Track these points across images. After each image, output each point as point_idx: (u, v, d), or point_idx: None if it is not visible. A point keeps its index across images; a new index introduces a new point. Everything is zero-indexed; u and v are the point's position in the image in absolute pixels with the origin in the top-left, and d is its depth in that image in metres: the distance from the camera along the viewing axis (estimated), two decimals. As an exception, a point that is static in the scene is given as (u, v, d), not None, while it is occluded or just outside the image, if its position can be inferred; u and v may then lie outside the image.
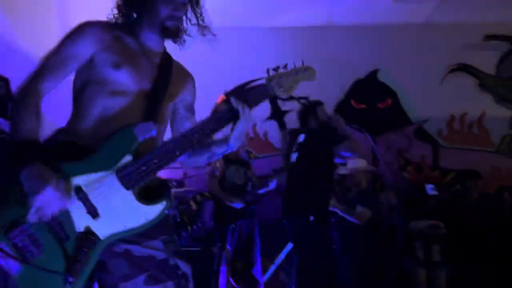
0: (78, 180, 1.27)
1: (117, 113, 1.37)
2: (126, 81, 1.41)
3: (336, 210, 3.96)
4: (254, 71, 6.10)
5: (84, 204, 1.27)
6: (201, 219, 4.48)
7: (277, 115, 5.73)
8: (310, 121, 3.30)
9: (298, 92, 5.48)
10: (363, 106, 5.71)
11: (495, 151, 5.46)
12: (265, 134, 5.73)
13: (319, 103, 3.37)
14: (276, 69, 1.56)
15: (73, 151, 1.32)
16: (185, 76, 1.68)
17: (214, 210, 4.42)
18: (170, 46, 1.64)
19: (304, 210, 3.02)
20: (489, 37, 5.56)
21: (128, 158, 1.32)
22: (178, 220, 3.51)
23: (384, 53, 5.62)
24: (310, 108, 3.36)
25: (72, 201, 1.25)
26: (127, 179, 1.30)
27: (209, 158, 1.61)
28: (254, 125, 5.73)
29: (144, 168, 1.31)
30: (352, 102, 5.69)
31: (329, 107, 5.67)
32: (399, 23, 5.55)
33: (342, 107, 5.60)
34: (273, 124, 5.72)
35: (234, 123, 1.49)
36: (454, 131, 5.56)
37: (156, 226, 1.33)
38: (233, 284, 3.58)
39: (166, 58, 1.59)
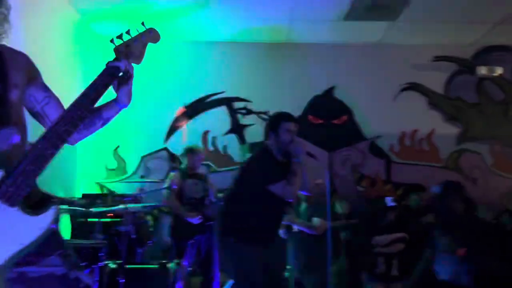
0: None
1: None
2: None
3: (293, 225, 4.02)
4: (214, 85, 6.16)
5: None
6: (157, 234, 4.41)
7: (237, 128, 5.78)
8: (270, 137, 2.84)
9: (257, 106, 5.56)
10: (321, 121, 5.85)
11: (443, 166, 5.75)
12: (225, 147, 5.75)
13: (285, 118, 2.84)
14: (120, 36, 1.49)
15: None
16: (18, 57, 1.48)
17: (172, 225, 4.37)
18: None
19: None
20: (438, 58, 5.88)
21: None
22: (133, 236, 3.44)
23: (341, 71, 5.82)
24: (271, 123, 2.92)
25: None
26: (7, 197, 1.20)
27: (103, 124, 1.56)
28: (214, 139, 5.74)
29: (20, 179, 1.21)
30: (310, 117, 5.82)
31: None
32: (355, 42, 5.78)
33: (300, 122, 5.70)
34: (233, 137, 5.76)
35: (116, 85, 1.47)
36: (405, 147, 5.80)
37: (49, 242, 1.28)
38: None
39: None
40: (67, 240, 3.69)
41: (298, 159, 2.72)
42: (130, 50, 1.48)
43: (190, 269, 4.44)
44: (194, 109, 5.76)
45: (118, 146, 5.62)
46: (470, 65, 5.83)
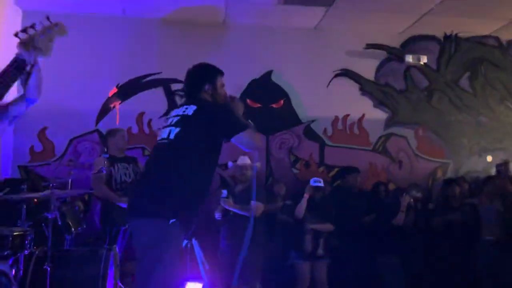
0: None
1: None
2: None
3: (232, 209, 4.04)
4: (150, 66, 5.94)
5: None
6: (87, 220, 4.26)
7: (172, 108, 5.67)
8: (202, 91, 2.46)
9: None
10: (258, 105, 5.90)
11: (372, 149, 6.05)
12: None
13: (220, 72, 2.56)
14: (24, 30, 1.50)
15: None
16: None
17: (102, 210, 4.24)
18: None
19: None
20: (370, 46, 6.12)
21: None
22: (60, 223, 3.29)
23: (278, 55, 5.88)
24: (206, 74, 2.53)
25: None
26: None
27: (11, 122, 1.55)
28: (149, 121, 5.60)
29: None
30: (248, 101, 5.85)
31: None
32: (292, 26, 5.85)
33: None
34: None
35: (24, 79, 1.47)
36: (337, 131, 6.02)
37: None
38: (121, 286, 3.48)
39: None
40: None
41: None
42: (35, 44, 1.45)
43: (123, 253, 4.36)
44: (128, 90, 5.57)
45: (45, 128, 5.31)
46: (399, 53, 6.13)
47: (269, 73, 5.93)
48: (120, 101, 5.53)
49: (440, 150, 6.15)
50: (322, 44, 5.96)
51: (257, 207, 3.90)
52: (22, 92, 1.45)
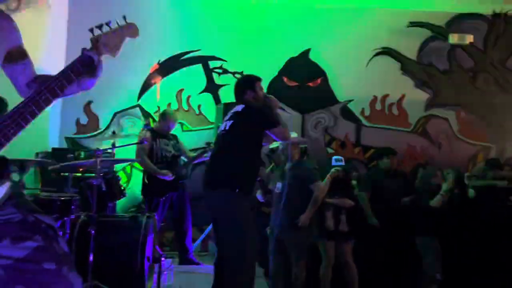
0: None
1: None
2: None
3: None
4: (190, 43, 6.02)
5: None
6: (130, 190, 4.48)
7: (212, 88, 5.78)
8: (246, 95, 3.15)
9: (232, 66, 5.57)
10: (295, 83, 5.90)
11: (411, 131, 5.93)
12: (199, 107, 5.76)
13: (258, 79, 3.24)
14: (99, 27, 1.51)
15: None
16: (5, 32, 1.51)
17: (144, 182, 4.43)
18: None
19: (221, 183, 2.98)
20: (413, 24, 5.94)
21: None
22: (104, 190, 3.48)
23: (317, 33, 5.82)
24: (248, 83, 3.23)
25: None
26: None
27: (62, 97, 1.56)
28: (188, 97, 5.73)
29: None
30: (285, 79, 5.86)
31: (263, 83, 5.83)
32: (333, 4, 5.76)
33: (274, 84, 5.76)
34: (208, 97, 5.76)
35: (79, 79, 1.49)
36: (376, 111, 5.94)
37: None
38: (160, 252, 3.66)
39: None
40: (35, 194, 3.72)
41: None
42: (107, 42, 1.49)
43: (163, 224, 4.56)
44: (169, 67, 5.70)
45: (91, 101, 5.56)
46: (443, 32, 5.92)
47: (307, 51, 5.89)
48: (161, 78, 5.68)
49: (483, 134, 5.96)
50: (363, 22, 5.84)
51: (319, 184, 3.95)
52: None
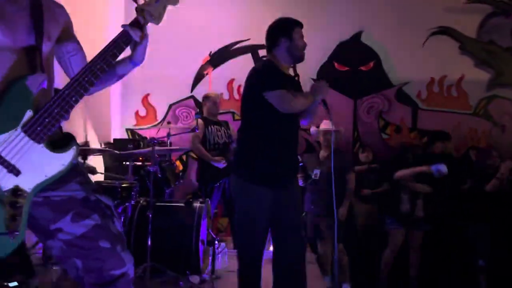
0: None
1: (5, 70, 1.40)
2: (2, 42, 1.40)
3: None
4: (239, 33, 6.05)
5: (3, 165, 1.35)
6: (185, 177, 4.67)
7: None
8: (280, 45, 2.57)
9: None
10: (347, 68, 5.80)
11: (472, 113, 5.64)
12: (250, 95, 5.84)
13: (297, 23, 2.63)
14: None
15: None
16: (56, 10, 1.59)
17: (198, 168, 4.61)
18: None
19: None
20: (471, 0, 5.61)
21: (29, 113, 1.38)
22: (160, 176, 3.68)
23: (368, 15, 5.66)
24: (283, 28, 2.61)
25: None
26: (35, 134, 1.37)
27: (117, 80, 1.66)
28: (239, 87, 5.83)
29: (47, 120, 1.38)
30: (335, 64, 5.78)
31: (312, 69, 5.82)
32: (384, -16, 5.59)
33: (325, 69, 5.70)
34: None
35: (132, 45, 1.54)
36: (433, 93, 5.70)
37: (69, 171, 1.45)
38: (213, 236, 3.81)
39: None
40: (98, 181, 3.99)
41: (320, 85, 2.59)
42: (151, 10, 1.53)
43: (216, 210, 4.72)
44: (219, 57, 5.83)
45: (148, 94, 5.83)
46: (506, 6, 5.54)
47: (358, 34, 5.76)
48: (212, 68, 5.83)
49: (551, 114, 5.54)
50: (416, 2, 5.60)
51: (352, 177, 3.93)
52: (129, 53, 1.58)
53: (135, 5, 1.56)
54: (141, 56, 1.58)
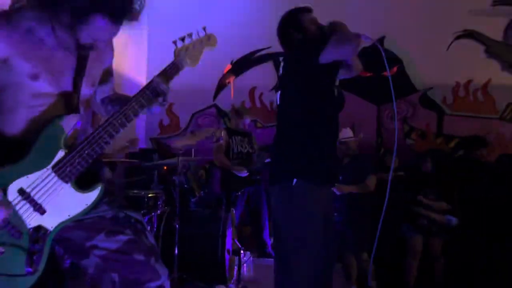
0: (19, 183, 1.37)
1: (41, 112, 1.43)
2: (45, 89, 1.43)
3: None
4: (261, 41, 6.05)
5: (30, 203, 1.39)
6: (209, 186, 4.70)
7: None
8: (293, 38, 2.30)
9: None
10: (370, 74, 5.75)
11: (499, 118, 5.51)
12: (271, 104, 5.85)
13: (303, 9, 2.39)
14: (182, 39, 1.56)
15: (3, 155, 1.38)
16: (102, 56, 1.60)
17: (221, 178, 4.63)
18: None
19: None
20: (497, 2, 5.50)
21: (61, 153, 1.41)
22: (186, 186, 3.71)
23: (391, 20, 5.61)
24: (291, 20, 2.35)
25: (17, 204, 1.38)
26: (64, 174, 1.41)
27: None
28: (261, 95, 5.85)
29: (78, 160, 1.42)
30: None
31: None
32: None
33: (348, 76, 5.66)
34: (280, 93, 5.83)
35: (154, 100, 1.55)
36: (459, 98, 5.60)
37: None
38: (238, 245, 3.81)
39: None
40: (127, 191, 4.04)
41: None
42: (189, 53, 1.56)
43: (239, 218, 4.73)
44: (241, 66, 5.86)
45: (172, 104, 5.90)
46: (533, 8, 5.41)
47: (381, 39, 5.70)
48: (234, 77, 5.86)
49: None
50: (441, 4, 5.52)
51: (370, 182, 3.87)
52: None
53: (173, 47, 1.56)
54: (159, 111, 1.61)
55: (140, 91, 1.52)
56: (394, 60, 5.68)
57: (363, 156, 4.28)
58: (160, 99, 1.53)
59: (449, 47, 5.56)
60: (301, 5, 2.35)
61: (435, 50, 5.55)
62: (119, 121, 1.47)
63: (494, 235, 4.13)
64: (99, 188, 1.49)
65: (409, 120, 5.68)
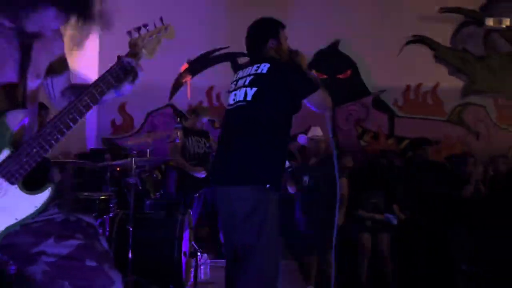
0: None
1: None
2: None
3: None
4: (218, 40, 5.99)
5: None
6: (165, 187, 4.58)
7: (242, 85, 5.80)
8: (268, 46, 2.32)
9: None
10: (325, 76, 5.84)
11: (447, 120, 5.77)
12: (229, 103, 5.80)
13: (283, 25, 2.43)
14: (137, 29, 1.50)
15: None
16: (54, 40, 1.50)
17: (178, 179, 4.52)
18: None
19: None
20: (445, 9, 5.76)
21: (6, 152, 1.30)
22: (140, 188, 3.58)
23: (346, 24, 5.74)
24: (271, 28, 2.39)
25: None
26: (9, 175, 1.30)
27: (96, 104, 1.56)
28: (218, 95, 5.79)
29: (25, 159, 1.30)
30: (314, 72, 5.80)
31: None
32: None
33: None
34: (238, 93, 5.79)
35: (118, 85, 1.49)
36: (409, 101, 5.81)
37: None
38: (195, 247, 3.73)
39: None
40: (77, 193, 3.86)
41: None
42: (145, 44, 1.49)
43: (197, 220, 4.65)
44: (198, 65, 5.78)
45: (125, 102, 5.71)
46: (478, 16, 5.71)
47: (336, 43, 5.82)
48: (191, 76, 5.77)
49: (523, 121, 5.73)
50: (393, 10, 5.72)
51: (343, 183, 3.87)
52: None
53: (127, 38, 1.50)
54: (129, 89, 1.53)
55: (107, 70, 1.43)
56: (349, 63, 5.82)
57: (332, 158, 4.28)
58: (130, 77, 1.46)
59: (400, 51, 5.76)
60: (279, 19, 2.41)
61: (388, 55, 5.74)
62: (71, 116, 1.36)
63: (440, 229, 4.32)
64: (49, 188, 1.37)
65: (362, 122, 5.83)
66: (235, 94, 2.26)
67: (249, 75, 2.23)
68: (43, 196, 1.37)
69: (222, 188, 2.22)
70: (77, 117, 1.38)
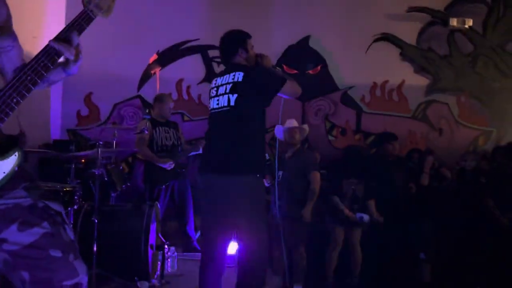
0: None
1: None
2: None
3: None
4: (188, 32, 5.97)
5: None
6: (131, 179, 4.50)
7: (211, 78, 5.76)
8: (238, 56, 2.74)
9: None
10: (295, 71, 5.89)
11: (411, 116, 5.94)
12: (199, 96, 5.76)
13: (249, 36, 2.82)
14: None
15: None
16: None
17: (145, 170, 4.46)
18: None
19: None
20: (412, 9, 5.91)
21: None
22: (106, 179, 3.51)
23: (315, 20, 5.80)
24: (240, 40, 2.78)
25: None
26: None
27: (48, 86, 1.55)
28: (188, 87, 5.74)
29: None
30: (284, 67, 5.84)
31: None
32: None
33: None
34: (207, 87, 5.75)
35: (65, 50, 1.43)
36: (376, 97, 5.94)
37: (14, 176, 1.33)
38: (163, 240, 3.70)
39: None
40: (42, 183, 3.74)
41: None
42: (99, 2, 1.45)
43: (164, 212, 4.59)
44: (168, 57, 5.70)
45: (91, 93, 5.57)
46: (443, 16, 5.89)
47: (306, 39, 5.87)
48: (160, 68, 5.68)
49: (483, 118, 5.96)
50: (362, 8, 5.82)
51: (315, 176, 3.91)
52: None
53: None
54: (76, 67, 1.47)
55: (47, 44, 1.37)
56: (318, 59, 5.88)
57: (307, 152, 4.33)
58: (70, 52, 1.39)
59: (368, 49, 5.87)
60: (245, 31, 2.82)
61: (356, 51, 5.84)
62: (29, 77, 1.31)
63: (407, 223, 4.45)
64: (16, 153, 1.31)
65: (331, 117, 5.92)
66: (218, 100, 2.71)
67: (228, 83, 2.68)
68: (11, 161, 1.30)
69: (219, 176, 2.63)
70: (36, 79, 1.34)
